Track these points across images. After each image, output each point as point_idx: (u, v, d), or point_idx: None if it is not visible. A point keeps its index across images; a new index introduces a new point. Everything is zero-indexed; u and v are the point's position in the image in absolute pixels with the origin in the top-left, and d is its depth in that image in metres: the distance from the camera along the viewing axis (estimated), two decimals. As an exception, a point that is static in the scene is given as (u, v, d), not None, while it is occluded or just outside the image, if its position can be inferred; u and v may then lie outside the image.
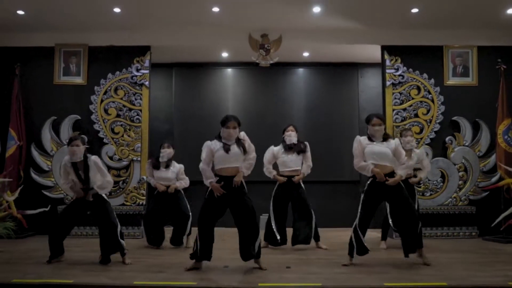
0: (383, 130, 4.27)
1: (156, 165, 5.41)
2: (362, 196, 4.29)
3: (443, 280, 3.57)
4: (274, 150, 5.41)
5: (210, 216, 4.02)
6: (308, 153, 5.34)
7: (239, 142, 4.03)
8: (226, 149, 3.96)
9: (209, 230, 4.03)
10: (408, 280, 3.61)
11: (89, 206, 4.35)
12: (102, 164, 4.40)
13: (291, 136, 5.28)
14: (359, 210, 4.26)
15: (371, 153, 4.20)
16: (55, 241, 4.31)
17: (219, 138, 4.07)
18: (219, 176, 4.00)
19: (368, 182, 4.28)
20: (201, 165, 4.00)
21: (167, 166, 5.40)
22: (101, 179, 4.30)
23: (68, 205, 4.60)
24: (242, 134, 4.10)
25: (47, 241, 4.24)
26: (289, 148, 5.30)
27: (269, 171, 5.37)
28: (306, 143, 5.39)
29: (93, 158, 4.32)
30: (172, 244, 5.35)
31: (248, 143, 4.06)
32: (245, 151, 4.01)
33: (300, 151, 5.31)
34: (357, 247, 4.20)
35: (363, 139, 4.30)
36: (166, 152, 5.37)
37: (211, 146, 4.02)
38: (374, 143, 4.23)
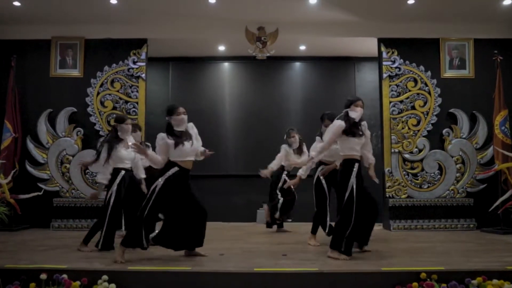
0: None
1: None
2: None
3: (440, 265, 3.55)
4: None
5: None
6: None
7: (187, 134, 3.97)
8: (181, 143, 3.86)
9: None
10: (406, 265, 3.60)
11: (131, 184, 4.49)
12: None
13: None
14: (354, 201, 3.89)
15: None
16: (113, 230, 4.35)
17: (170, 131, 3.95)
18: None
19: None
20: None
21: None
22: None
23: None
24: (191, 125, 4.06)
25: (42, 233, 4.16)
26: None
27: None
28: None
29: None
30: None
31: (195, 133, 4.03)
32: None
33: None
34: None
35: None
36: None
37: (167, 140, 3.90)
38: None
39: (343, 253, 3.84)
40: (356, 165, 3.94)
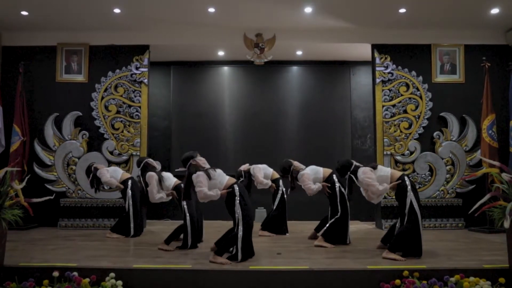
0: None
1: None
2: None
3: (424, 263, 3.83)
4: None
5: None
6: None
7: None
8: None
9: None
10: (390, 264, 3.87)
11: None
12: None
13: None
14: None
15: None
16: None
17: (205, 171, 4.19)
18: None
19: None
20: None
21: None
22: None
23: None
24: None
25: (50, 232, 4.41)
26: None
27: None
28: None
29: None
30: None
31: None
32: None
33: None
34: None
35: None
36: None
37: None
38: None
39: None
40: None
